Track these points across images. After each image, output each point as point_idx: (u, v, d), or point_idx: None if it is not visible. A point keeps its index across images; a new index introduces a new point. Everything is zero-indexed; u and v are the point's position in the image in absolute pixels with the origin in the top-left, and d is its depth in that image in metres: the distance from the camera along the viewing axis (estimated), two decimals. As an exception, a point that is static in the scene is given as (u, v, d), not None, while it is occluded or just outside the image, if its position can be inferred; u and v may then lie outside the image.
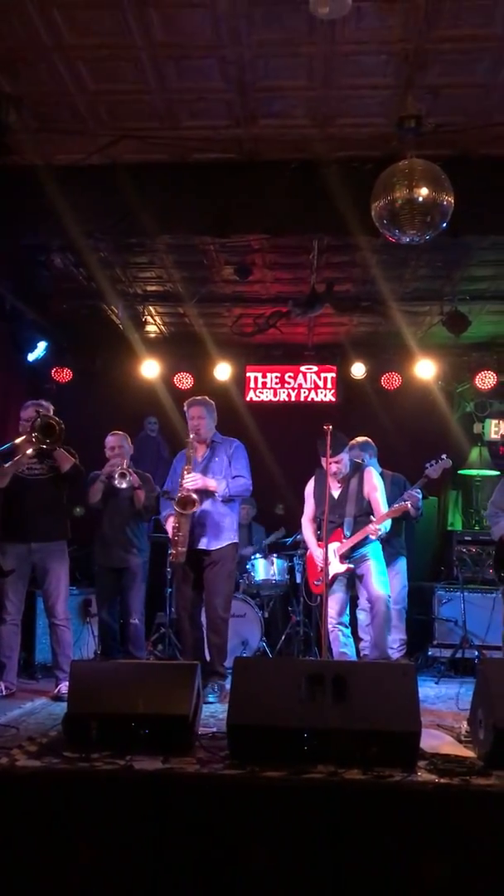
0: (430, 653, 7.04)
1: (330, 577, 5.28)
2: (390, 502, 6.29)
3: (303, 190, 4.70)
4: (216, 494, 5.23)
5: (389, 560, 6.62)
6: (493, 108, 4.20)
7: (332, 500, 5.35)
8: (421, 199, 3.89)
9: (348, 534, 5.32)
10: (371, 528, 5.27)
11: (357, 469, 5.47)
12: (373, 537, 5.28)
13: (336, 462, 5.30)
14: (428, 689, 5.85)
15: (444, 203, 3.94)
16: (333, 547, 5.33)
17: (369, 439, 6.76)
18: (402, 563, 6.70)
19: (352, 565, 5.32)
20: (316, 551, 5.39)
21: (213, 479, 5.25)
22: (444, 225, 4.08)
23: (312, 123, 4.38)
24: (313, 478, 5.56)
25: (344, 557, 5.35)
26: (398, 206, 3.91)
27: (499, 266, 6.46)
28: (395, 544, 6.70)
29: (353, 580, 5.39)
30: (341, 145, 4.56)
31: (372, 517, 5.34)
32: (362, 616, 5.61)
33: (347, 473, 5.42)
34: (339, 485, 5.41)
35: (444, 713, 4.98)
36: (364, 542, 5.31)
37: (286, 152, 4.62)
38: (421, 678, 6.38)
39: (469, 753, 3.73)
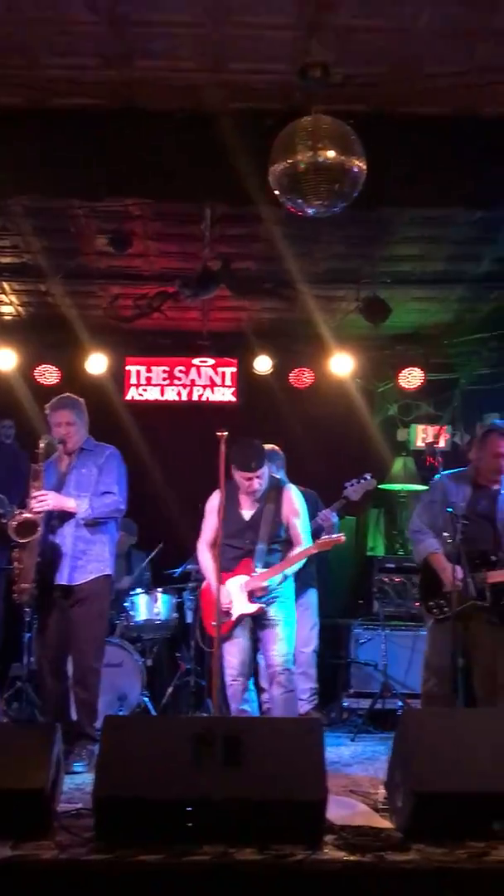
0: (345, 704, 7.15)
1: (234, 618, 5.26)
2: None
3: (191, 146, 4.72)
4: (77, 516, 5.16)
5: (297, 593, 6.69)
6: (414, 57, 4.31)
7: (240, 523, 5.33)
8: (327, 162, 3.95)
9: (259, 566, 5.28)
10: (294, 557, 5.28)
11: (275, 487, 5.41)
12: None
13: (257, 477, 5.28)
14: (342, 749, 5.95)
15: (355, 169, 4.03)
16: (239, 581, 5.28)
17: (276, 447, 6.82)
18: (311, 597, 6.78)
19: (263, 605, 5.27)
20: (216, 585, 5.23)
21: (71, 498, 5.17)
22: (356, 195, 4.16)
23: (202, 67, 4.40)
24: (217, 493, 5.39)
25: (252, 595, 5.28)
26: (300, 171, 3.97)
27: (424, 244, 6.64)
28: (304, 575, 6.76)
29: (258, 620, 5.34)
30: (237, 94, 4.59)
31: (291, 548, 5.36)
32: (262, 662, 5.61)
33: (264, 491, 5.37)
34: (253, 504, 5.38)
35: (359, 777, 5.06)
36: (281, 578, 5.32)
37: (170, 100, 4.62)
38: (333, 735, 6.52)
39: (386, 824, 3.80)
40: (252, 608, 5.26)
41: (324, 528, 6.48)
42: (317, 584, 6.85)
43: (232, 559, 5.31)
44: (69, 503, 5.13)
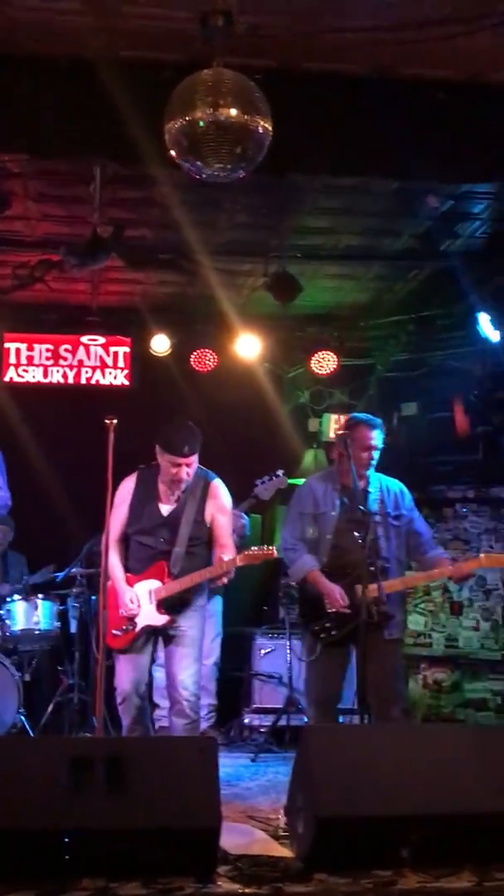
0: (245, 720, 7.21)
1: (138, 628, 5.06)
2: None
3: (77, 98, 4.64)
4: None
5: None
6: (324, 9, 4.33)
7: (157, 518, 5.13)
8: (229, 121, 3.96)
9: (175, 571, 5.06)
10: (217, 567, 5.03)
11: (199, 480, 5.19)
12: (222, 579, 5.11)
13: (187, 465, 5.04)
14: (240, 770, 6.00)
15: (260, 130, 4.04)
16: (149, 587, 5.09)
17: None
18: (216, 605, 6.82)
19: (174, 618, 5.07)
20: (124, 588, 5.11)
21: None
22: (260, 158, 4.17)
23: (88, 9, 4.33)
24: (133, 478, 5.23)
25: (163, 606, 5.07)
26: (199, 130, 3.97)
27: (337, 216, 6.70)
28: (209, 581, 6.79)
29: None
30: (129, 42, 4.54)
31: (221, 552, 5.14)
32: (159, 675, 5.58)
33: (189, 485, 5.15)
34: (173, 498, 5.18)
35: (258, 802, 5.13)
36: (196, 589, 5.14)
37: (52, 45, 4.54)
38: (231, 755, 6.59)
39: (285, 853, 3.86)
40: (161, 620, 5.05)
41: (233, 530, 6.49)
42: (223, 591, 6.88)
43: (143, 559, 5.12)
44: None
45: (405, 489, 5.54)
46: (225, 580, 5.13)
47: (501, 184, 5.86)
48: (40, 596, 6.88)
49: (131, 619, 5.07)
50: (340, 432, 5.57)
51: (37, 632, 6.78)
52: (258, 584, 8.35)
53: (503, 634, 7.47)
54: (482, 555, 5.64)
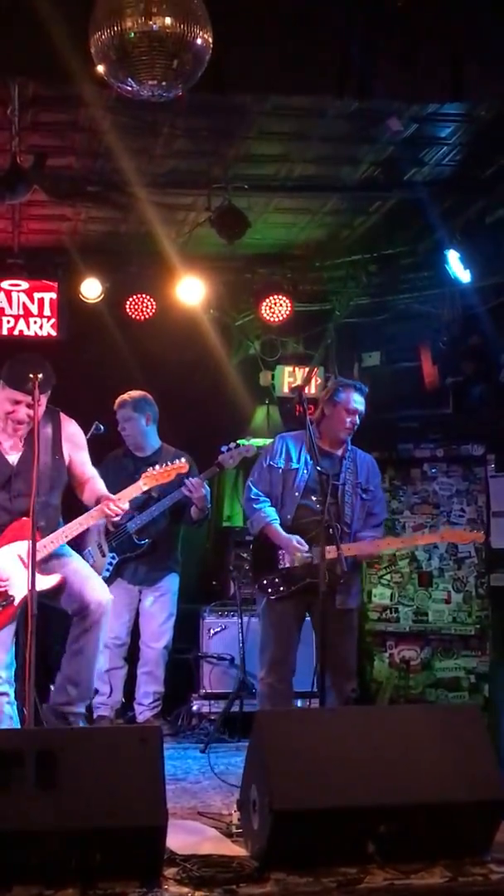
0: (193, 707, 7.25)
1: (17, 601, 5.00)
2: (168, 493, 6.39)
3: (-11, 6, 4.57)
4: None
5: (154, 577, 6.74)
6: None
7: (4, 470, 5.07)
8: (163, 32, 3.91)
9: (43, 524, 4.98)
10: (104, 510, 5.05)
11: (49, 417, 5.14)
12: (112, 517, 5.19)
13: (28, 405, 4.90)
14: (189, 762, 6.04)
15: (199, 41, 3.99)
16: (16, 550, 4.99)
17: (147, 395, 6.82)
18: (172, 582, 6.87)
19: (58, 575, 5.05)
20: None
21: None
22: (200, 74, 4.13)
23: None
24: None
25: (44, 565, 5.00)
26: (130, 42, 3.91)
27: (289, 142, 6.65)
28: (165, 556, 6.82)
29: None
30: None
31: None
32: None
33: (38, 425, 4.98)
34: (19, 444, 5.09)
35: (210, 795, 5.19)
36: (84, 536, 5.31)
37: None
38: (179, 746, 6.64)
39: (239, 851, 3.90)
40: (51, 581, 4.99)
41: (192, 500, 6.50)
42: (180, 570, 6.91)
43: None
44: None
45: (377, 468, 5.98)
46: (116, 519, 5.21)
47: (472, 102, 5.82)
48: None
49: (3, 595, 4.97)
50: (326, 394, 5.97)
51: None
52: (205, 555, 8.40)
53: (477, 607, 7.56)
54: (443, 529, 6.02)
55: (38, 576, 4.77)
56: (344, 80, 4.92)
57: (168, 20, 3.94)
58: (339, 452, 5.83)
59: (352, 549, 5.61)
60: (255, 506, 5.80)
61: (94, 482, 5.18)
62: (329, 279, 8.54)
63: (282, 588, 5.64)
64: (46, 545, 4.95)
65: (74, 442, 5.18)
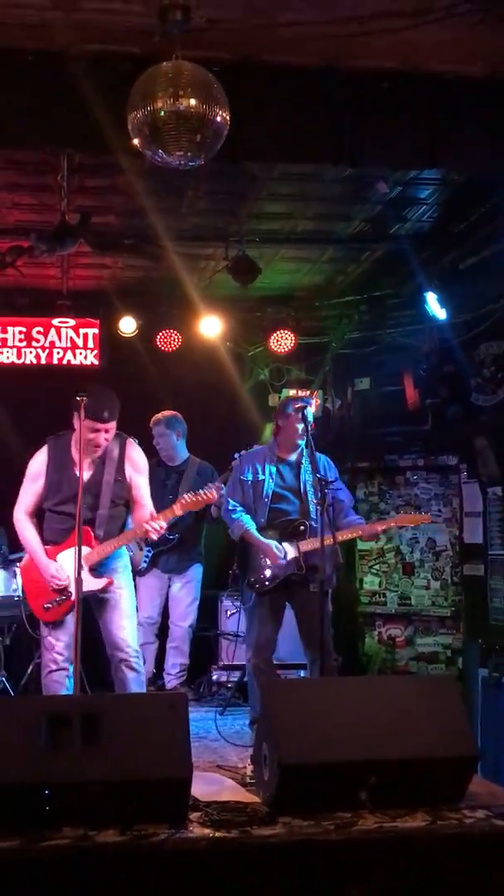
0: (213, 677, 7.25)
1: (74, 597, 4.81)
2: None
3: (43, 89, 4.57)
4: None
5: (182, 567, 6.75)
6: (278, 4, 4.29)
7: (76, 485, 4.91)
8: (188, 111, 3.93)
9: (101, 534, 4.97)
10: (145, 526, 4.89)
11: (117, 442, 5.09)
12: (152, 535, 4.96)
13: (106, 431, 4.92)
14: (209, 723, 6.02)
15: (218, 119, 4.01)
16: (76, 554, 4.83)
17: (177, 413, 6.84)
18: (196, 572, 6.93)
19: (110, 579, 5.00)
20: (46, 562, 4.92)
21: None
22: (218, 147, 4.15)
23: (54, 5, 4.27)
24: (45, 450, 5.08)
25: (96, 570, 4.98)
26: (161, 119, 3.93)
27: (293, 202, 6.67)
28: (191, 549, 6.84)
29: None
30: (93, 36, 4.47)
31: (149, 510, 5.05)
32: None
33: (108, 448, 5.06)
34: (91, 464, 5.01)
35: (227, 751, 5.17)
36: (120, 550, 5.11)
37: (19, 39, 4.47)
38: (201, 709, 6.62)
39: (253, 798, 3.88)
40: (99, 583, 4.93)
41: (213, 504, 6.47)
42: (202, 559, 6.92)
43: (62, 530, 4.96)
44: None
45: (330, 461, 5.89)
46: (155, 536, 5.02)
47: (446, 169, 5.84)
48: (17, 564, 6.85)
49: (63, 591, 4.92)
50: (278, 410, 5.95)
51: (16, 598, 6.75)
52: (224, 549, 8.37)
53: (452, 592, 7.54)
54: (396, 514, 6.03)
55: (89, 577, 4.85)
56: (338, 150, 4.91)
57: (193, 101, 3.95)
58: (296, 457, 5.76)
59: (350, 533, 5.67)
60: (232, 515, 5.76)
61: (144, 510, 5.02)
62: (327, 317, 8.55)
63: (266, 583, 5.61)
64: (99, 552, 4.95)
65: (134, 466, 5.10)
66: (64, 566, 4.95)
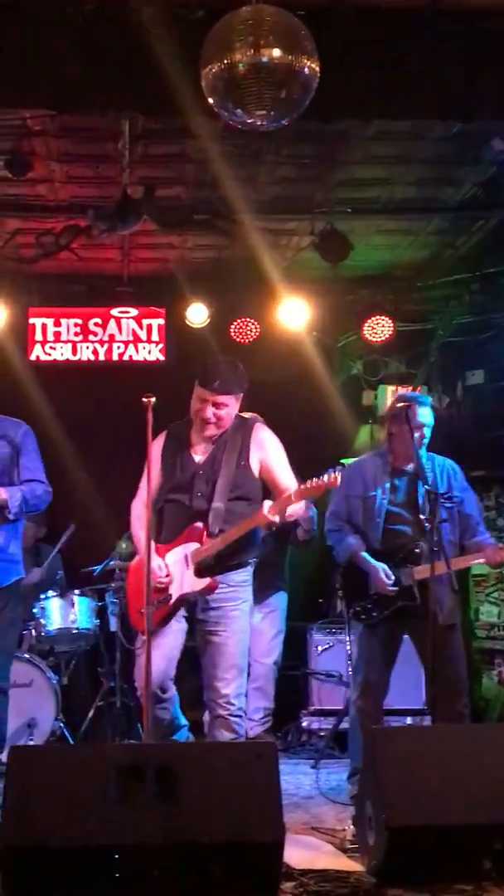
0: (303, 724, 7.24)
1: (172, 600, 4.80)
2: None
3: (102, 46, 4.62)
4: (7, 511, 5.06)
5: (263, 595, 6.77)
6: None
7: (190, 468, 4.88)
8: (271, 63, 3.92)
9: (216, 531, 4.82)
10: (269, 510, 4.62)
11: (242, 425, 4.97)
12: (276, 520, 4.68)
13: (215, 404, 4.79)
14: (300, 778, 6.03)
15: (306, 71, 3.99)
16: (184, 551, 4.85)
17: (257, 416, 6.79)
18: (280, 600, 6.93)
19: (216, 581, 4.82)
20: (150, 557, 4.78)
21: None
22: (307, 103, 4.13)
23: None
24: (163, 436, 5.05)
25: (204, 569, 4.83)
26: (239, 74, 3.94)
27: (391, 165, 6.65)
28: (274, 575, 6.85)
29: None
30: (157, -21, 4.56)
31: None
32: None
33: (228, 432, 4.90)
34: (208, 447, 4.94)
35: (323, 811, 5.17)
36: (246, 545, 4.89)
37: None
38: (290, 762, 6.62)
39: (355, 866, 3.88)
40: (201, 583, 4.77)
41: (299, 521, 6.49)
42: (287, 588, 6.93)
43: (177, 525, 4.87)
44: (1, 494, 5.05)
45: (458, 468, 5.73)
46: (276, 519, 4.69)
47: None
48: (76, 592, 6.98)
49: (163, 591, 4.82)
50: (390, 412, 5.79)
51: (74, 631, 6.87)
52: (313, 574, 8.37)
53: None
54: None
55: (190, 576, 4.81)
56: (447, 103, 4.88)
57: (276, 51, 3.95)
58: (409, 467, 5.55)
59: (471, 558, 5.58)
60: (336, 536, 5.66)
61: (288, 489, 4.80)
62: (431, 298, 8.48)
63: (374, 613, 5.50)
64: (208, 548, 4.82)
65: (264, 447, 4.93)
66: (168, 563, 4.86)
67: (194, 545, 4.83)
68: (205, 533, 4.82)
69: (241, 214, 7.12)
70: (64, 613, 6.87)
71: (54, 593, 6.95)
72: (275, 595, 6.87)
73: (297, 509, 4.82)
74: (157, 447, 4.96)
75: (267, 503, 4.69)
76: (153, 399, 4.78)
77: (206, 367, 4.92)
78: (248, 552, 4.92)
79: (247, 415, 5.36)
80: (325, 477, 4.72)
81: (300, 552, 7.27)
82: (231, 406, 4.87)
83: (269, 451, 4.93)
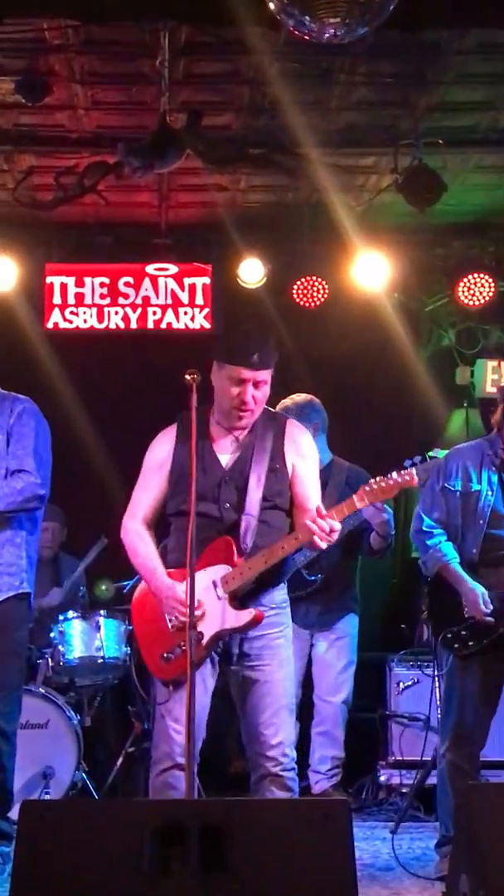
0: (381, 778, 7.22)
1: (205, 640, 4.70)
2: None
3: None
4: None
5: (330, 619, 6.76)
6: None
7: (216, 474, 4.83)
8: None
9: (248, 547, 4.76)
10: (309, 526, 4.58)
11: (271, 421, 4.97)
12: (320, 542, 4.61)
13: (255, 383, 4.75)
14: (378, 844, 6.04)
15: (389, -28, 4.00)
16: (212, 576, 4.75)
17: (314, 399, 6.80)
18: (350, 624, 6.88)
19: (261, 611, 4.74)
20: (168, 585, 4.78)
21: None
22: (389, 10, 4.13)
23: None
24: (171, 432, 4.98)
25: (239, 598, 4.75)
26: (310, -24, 3.95)
27: (494, 86, 6.65)
28: (342, 594, 6.83)
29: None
30: None
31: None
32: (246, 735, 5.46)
33: (257, 427, 4.89)
34: (236, 444, 4.91)
35: (405, 885, 5.16)
36: (284, 566, 4.91)
37: None
38: (366, 824, 6.63)
39: None
40: (245, 617, 4.70)
41: (372, 526, 6.46)
42: (359, 609, 6.90)
43: (199, 539, 4.66)
44: None
45: None
46: (324, 544, 4.64)
47: None
48: (102, 613, 6.99)
49: (192, 628, 4.62)
50: (501, 392, 5.73)
51: (100, 660, 6.89)
52: (391, 593, 8.35)
53: None
54: None
55: (225, 607, 4.72)
56: None
57: None
58: None
59: None
60: (427, 541, 5.52)
61: (311, 513, 4.74)
62: (542, 252, 8.47)
63: (470, 643, 5.37)
64: (243, 570, 4.72)
65: (301, 450, 4.91)
66: (195, 592, 4.63)
67: (223, 567, 4.75)
68: (235, 551, 4.75)
69: (307, 148, 7.10)
70: (87, 639, 6.89)
71: (75, 614, 6.98)
72: (344, 618, 6.84)
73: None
74: (163, 448, 4.94)
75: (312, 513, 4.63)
76: (197, 377, 4.77)
77: (232, 339, 4.88)
78: (288, 565, 4.94)
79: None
80: (399, 474, 4.75)
81: (375, 564, 7.24)
82: (268, 383, 4.82)
83: (305, 456, 4.91)
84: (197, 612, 4.58)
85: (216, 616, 4.69)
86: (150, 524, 4.91)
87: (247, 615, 4.68)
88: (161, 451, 4.91)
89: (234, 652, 4.75)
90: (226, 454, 4.85)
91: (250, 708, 4.74)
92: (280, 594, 4.84)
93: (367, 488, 4.72)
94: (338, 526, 4.62)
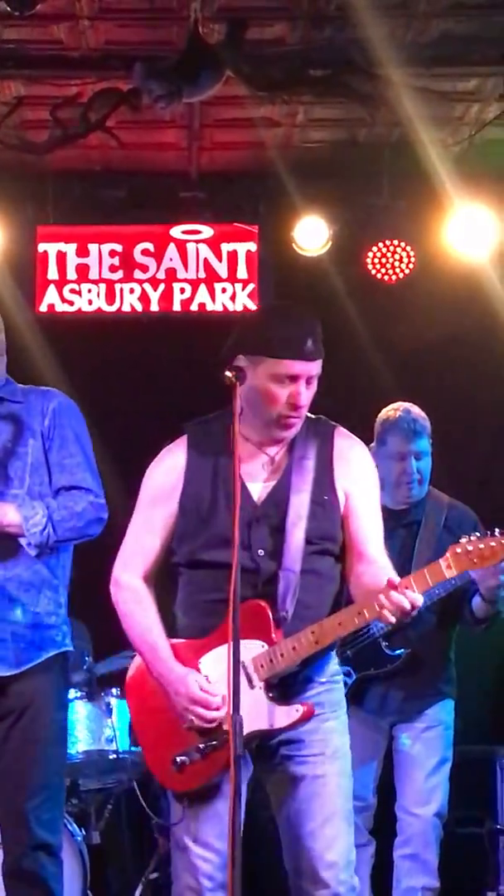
0: (494, 914, 7.19)
1: (246, 734, 4.46)
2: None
3: None
4: (26, 543, 5.15)
5: (417, 704, 6.70)
6: None
7: (244, 510, 4.58)
8: None
9: (288, 615, 4.64)
10: (381, 602, 4.43)
11: (313, 430, 4.85)
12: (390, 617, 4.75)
13: (309, 380, 4.65)
14: None
15: None
16: (242, 654, 4.48)
17: (419, 412, 6.69)
18: (444, 712, 6.78)
19: (311, 704, 4.64)
20: (179, 674, 4.65)
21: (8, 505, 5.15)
22: None
23: None
24: (181, 449, 4.82)
25: (279, 684, 4.66)
26: None
27: None
28: (435, 675, 6.77)
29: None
30: None
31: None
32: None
33: (296, 441, 4.79)
34: (270, 467, 4.84)
35: None
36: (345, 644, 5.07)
37: None
38: None
39: None
40: (290, 716, 4.63)
41: (478, 588, 6.37)
42: (456, 691, 6.81)
43: (212, 605, 4.66)
44: (7, 514, 5.10)
45: None
46: (393, 619, 4.74)
47: None
48: (114, 693, 7.01)
49: (214, 729, 4.61)
50: None
51: (111, 756, 6.91)
52: (501, 672, 8.31)
53: None
54: None
55: (261, 700, 4.62)
56: None
57: None
58: None
59: None
60: None
61: (374, 565, 4.68)
62: None
63: None
64: (285, 652, 4.62)
65: (355, 471, 4.79)
66: (213, 678, 4.71)
67: (255, 645, 4.63)
68: (272, 623, 4.63)
69: (387, 68, 7.06)
70: (95, 728, 6.93)
71: (79, 693, 6.99)
72: (435, 705, 6.76)
73: None
74: (171, 468, 4.80)
75: (381, 579, 4.49)
76: (239, 375, 4.72)
77: (274, 324, 4.74)
78: (332, 659, 4.84)
79: None
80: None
81: (477, 635, 7.16)
82: (317, 376, 4.73)
83: (361, 479, 4.81)
84: (217, 711, 4.53)
85: (248, 712, 4.48)
86: (151, 578, 4.79)
87: (293, 713, 4.55)
88: (167, 475, 4.77)
89: (271, 743, 4.64)
90: (257, 482, 4.74)
91: (293, 814, 4.61)
92: (333, 664, 4.76)
93: (460, 550, 4.57)
94: (420, 600, 4.47)
